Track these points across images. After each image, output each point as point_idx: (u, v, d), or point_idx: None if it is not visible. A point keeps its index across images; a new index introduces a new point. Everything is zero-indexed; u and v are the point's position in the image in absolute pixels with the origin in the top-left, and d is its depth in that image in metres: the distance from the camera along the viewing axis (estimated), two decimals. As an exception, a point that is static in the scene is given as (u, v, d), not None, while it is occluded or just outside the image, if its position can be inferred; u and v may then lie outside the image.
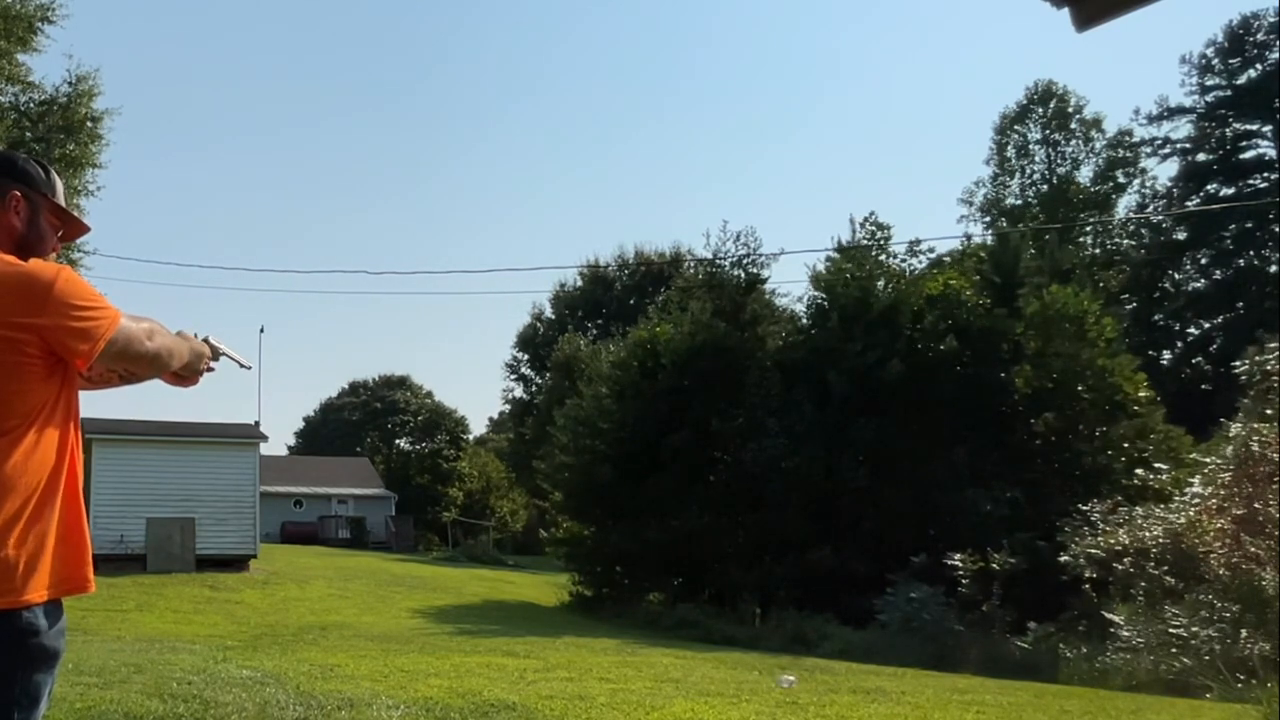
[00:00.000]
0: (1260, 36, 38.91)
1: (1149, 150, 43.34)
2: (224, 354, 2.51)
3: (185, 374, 2.35)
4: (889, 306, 21.71)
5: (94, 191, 19.90)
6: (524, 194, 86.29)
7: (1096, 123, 44.89)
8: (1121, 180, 44.68)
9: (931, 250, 24.33)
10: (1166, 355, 40.31)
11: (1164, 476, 17.76)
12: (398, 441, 58.50)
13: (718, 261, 24.37)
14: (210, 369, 2.46)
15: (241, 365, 2.61)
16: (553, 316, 52.64)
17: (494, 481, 54.91)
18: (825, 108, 79.92)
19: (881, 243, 23.42)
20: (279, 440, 77.52)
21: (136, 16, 71.66)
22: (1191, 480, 14.90)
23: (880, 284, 22.41)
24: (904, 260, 23.45)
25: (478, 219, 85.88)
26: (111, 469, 21.67)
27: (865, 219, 23.46)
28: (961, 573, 16.23)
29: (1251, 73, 39.13)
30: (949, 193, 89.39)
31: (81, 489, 2.13)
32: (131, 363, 2.18)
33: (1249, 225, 38.28)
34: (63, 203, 2.28)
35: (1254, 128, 39.73)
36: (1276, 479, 11.89)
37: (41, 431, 2.00)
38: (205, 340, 2.43)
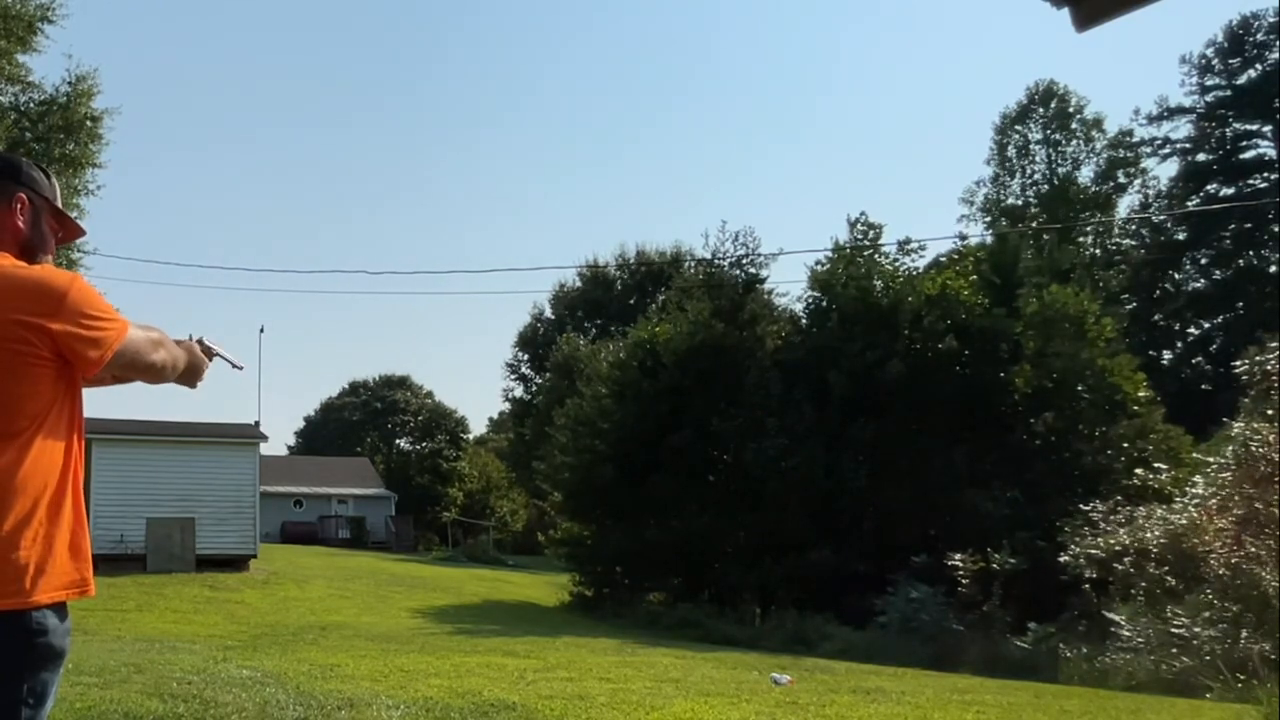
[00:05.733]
0: (1260, 36, 38.95)
1: (1149, 150, 43.40)
2: (217, 355, 2.54)
3: (183, 382, 2.40)
4: (888, 306, 21.70)
5: (94, 191, 19.87)
6: (524, 194, 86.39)
7: (1097, 123, 44.89)
8: (1122, 180, 44.70)
9: (924, 249, 24.38)
10: (1166, 355, 40.32)
11: (1164, 476, 17.76)
12: (398, 441, 58.50)
13: (716, 261, 24.42)
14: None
15: (234, 366, 2.63)
16: (553, 316, 52.60)
17: (494, 481, 54.90)
18: (826, 107, 79.95)
19: (873, 242, 23.44)
20: (279, 440, 77.58)
21: (136, 16, 71.68)
22: (1193, 480, 14.90)
23: (877, 284, 22.42)
24: (898, 260, 23.49)
25: (478, 219, 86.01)
26: (111, 469, 21.65)
27: (857, 219, 23.53)
28: (961, 573, 16.24)
29: (1251, 73, 39.17)
30: (949, 193, 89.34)
31: (83, 491, 2.15)
32: (136, 372, 2.24)
33: (1249, 225, 38.32)
34: (60, 206, 2.32)
35: (1254, 128, 39.76)
36: (1277, 479, 11.88)
37: (50, 434, 2.02)
38: (199, 341, 2.45)
